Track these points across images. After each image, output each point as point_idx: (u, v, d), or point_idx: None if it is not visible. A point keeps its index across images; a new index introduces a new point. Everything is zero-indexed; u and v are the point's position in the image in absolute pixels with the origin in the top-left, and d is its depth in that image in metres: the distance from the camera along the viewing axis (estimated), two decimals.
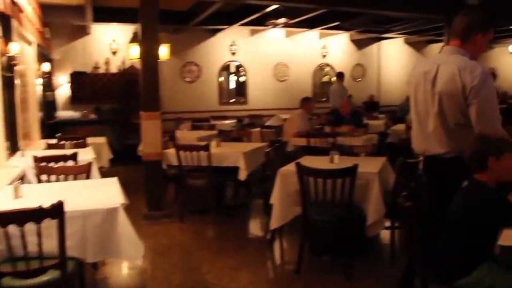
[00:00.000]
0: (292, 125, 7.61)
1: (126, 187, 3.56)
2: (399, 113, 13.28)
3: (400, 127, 8.99)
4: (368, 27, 11.35)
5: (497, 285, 2.43)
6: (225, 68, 12.54)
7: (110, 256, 3.00)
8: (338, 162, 4.68)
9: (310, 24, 11.09)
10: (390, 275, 4.02)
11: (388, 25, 10.84)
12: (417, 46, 15.33)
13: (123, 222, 2.90)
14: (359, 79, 14.37)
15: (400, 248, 4.39)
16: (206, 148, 5.43)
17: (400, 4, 7.95)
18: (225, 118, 11.49)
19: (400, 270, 3.78)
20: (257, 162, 6.03)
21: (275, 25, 10.74)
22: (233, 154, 5.63)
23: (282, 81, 12.99)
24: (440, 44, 15.21)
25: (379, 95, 14.65)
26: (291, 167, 4.45)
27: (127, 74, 10.42)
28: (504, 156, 2.55)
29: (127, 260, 4.00)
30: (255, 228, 5.77)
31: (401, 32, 12.68)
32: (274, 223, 4.37)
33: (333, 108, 10.82)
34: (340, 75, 11.56)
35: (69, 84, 10.56)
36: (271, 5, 8.40)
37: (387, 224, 4.32)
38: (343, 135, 7.10)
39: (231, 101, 12.72)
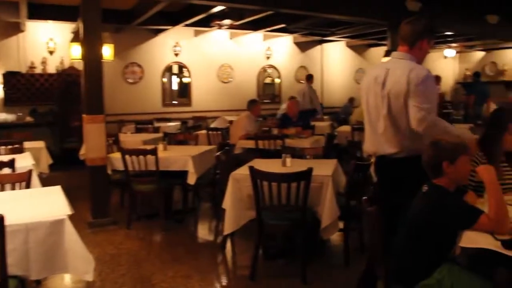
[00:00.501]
0: (239, 127, 7.52)
1: (68, 193, 3.32)
2: (341, 114, 13.56)
3: (346, 128, 9.15)
4: (313, 30, 11.45)
5: (457, 285, 2.45)
6: (169, 69, 12.25)
7: (57, 272, 2.75)
8: (291, 165, 4.65)
9: (255, 26, 11.06)
10: (345, 277, 4.04)
11: (333, 28, 10.99)
12: (358, 50, 15.70)
13: (70, 235, 2.68)
14: (303, 81, 14.47)
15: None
16: (154, 152, 5.24)
17: (345, 8, 8.06)
18: (169, 120, 11.25)
19: (355, 272, 3.80)
20: (205, 165, 5.90)
21: (220, 27, 10.62)
22: (181, 158, 5.47)
23: (226, 82, 12.88)
24: (381, 48, 15.71)
25: (323, 97, 14.84)
26: (243, 171, 4.36)
27: (66, 75, 9.93)
28: (458, 159, 2.58)
29: (75, 276, 3.75)
30: (205, 233, 5.63)
31: (345, 35, 12.91)
32: (228, 229, 4.26)
33: (301, 109, 11.36)
34: (309, 77, 11.98)
35: (2, 85, 9.92)
36: (215, 6, 8.26)
37: (341, 226, 4.33)
38: (291, 137, 7.09)
39: (174, 102, 12.44)
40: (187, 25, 10.42)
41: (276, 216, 4.05)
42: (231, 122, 10.00)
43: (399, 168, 3.07)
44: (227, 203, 4.32)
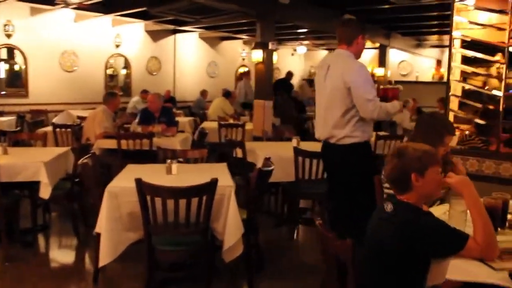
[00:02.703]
0: (95, 124, 6.42)
1: None
2: (194, 108, 13.00)
3: (211, 124, 8.53)
4: (178, 16, 10.51)
5: None
6: None
7: None
8: (177, 172, 3.88)
9: (107, 9, 9.78)
10: None
11: (198, 15, 10.24)
12: (212, 42, 15.24)
13: None
14: (155, 73, 13.55)
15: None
16: None
17: None
18: (1, 114, 9.43)
19: None
20: (60, 173, 4.84)
21: (67, 5, 9.14)
22: (30, 165, 4.30)
23: (70, 71, 11.29)
24: (234, 41, 15.45)
25: (175, 90, 14.08)
26: (122, 183, 3.50)
27: None
28: (428, 170, 2.12)
29: None
30: (66, 259, 4.45)
31: (203, 26, 12.26)
32: (104, 259, 3.31)
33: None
34: (246, 74, 13.53)
35: None
36: None
37: None
38: (157, 136, 6.25)
39: (4, 93, 10.53)
40: (21, 0, 8.74)
41: (171, 240, 3.26)
42: (79, 117, 8.72)
43: (337, 153, 3.58)
44: (102, 225, 3.38)
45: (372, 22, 10.97)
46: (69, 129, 6.95)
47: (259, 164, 5.08)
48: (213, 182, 3.13)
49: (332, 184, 3.84)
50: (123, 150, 5.82)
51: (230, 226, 3.41)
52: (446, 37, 13.90)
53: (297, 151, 4.83)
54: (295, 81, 18.26)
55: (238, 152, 5.71)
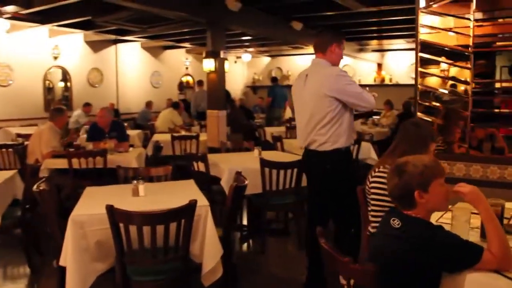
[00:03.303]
0: (41, 143, 5.97)
1: None
2: (139, 120, 12.59)
3: (162, 137, 8.20)
4: (124, 26, 10.04)
5: None
6: None
7: None
8: (144, 193, 3.61)
9: (46, 18, 9.17)
10: None
11: (146, 25, 9.83)
12: (154, 52, 14.82)
13: None
14: (97, 85, 12.96)
15: None
16: None
17: (164, 2, 7.13)
18: None
19: None
20: (8, 200, 4.40)
21: (1, 14, 8.50)
22: None
23: (5, 86, 10.53)
24: (177, 50, 15.11)
25: (119, 102, 13.56)
26: (86, 210, 3.19)
27: None
28: (432, 185, 2.04)
29: None
30: None
31: (146, 35, 11.86)
32: None
33: (193, 113, 12.43)
34: (200, 82, 12.83)
35: None
36: None
37: None
38: (110, 153, 5.90)
39: None
40: None
41: (147, 269, 2.99)
42: (19, 135, 8.15)
43: (315, 159, 3.58)
44: (68, 258, 3.03)
45: (319, 28, 11.04)
46: (10, 149, 6.42)
47: (224, 178, 4.90)
48: (192, 204, 2.90)
49: (314, 191, 3.78)
50: (76, 170, 5.47)
51: (209, 248, 3.19)
52: (386, 42, 14.37)
53: (264, 163, 4.69)
54: (239, 88, 18.21)
55: (200, 166, 5.47)
